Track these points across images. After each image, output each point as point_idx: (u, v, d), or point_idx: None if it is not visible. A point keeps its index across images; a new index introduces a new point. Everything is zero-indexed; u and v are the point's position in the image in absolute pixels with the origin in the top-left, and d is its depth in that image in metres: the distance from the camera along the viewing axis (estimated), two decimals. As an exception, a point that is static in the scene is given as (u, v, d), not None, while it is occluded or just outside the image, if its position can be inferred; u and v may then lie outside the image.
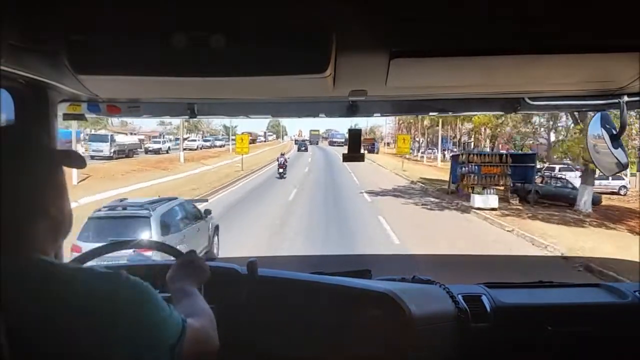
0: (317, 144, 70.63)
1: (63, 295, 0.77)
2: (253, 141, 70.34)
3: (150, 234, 7.24)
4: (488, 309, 1.72)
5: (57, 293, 0.77)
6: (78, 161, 0.90)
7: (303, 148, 53.84)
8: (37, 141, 0.88)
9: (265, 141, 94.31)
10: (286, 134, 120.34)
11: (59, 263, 0.83)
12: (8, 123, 1.34)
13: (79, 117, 1.70)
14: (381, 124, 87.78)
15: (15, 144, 0.81)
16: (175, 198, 8.92)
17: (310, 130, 69.80)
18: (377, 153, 51.30)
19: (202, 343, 0.92)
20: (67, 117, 1.67)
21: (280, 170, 23.09)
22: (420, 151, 53.78)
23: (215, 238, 9.28)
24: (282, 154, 24.14)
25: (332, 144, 72.76)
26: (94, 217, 7.37)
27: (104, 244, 1.44)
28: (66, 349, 0.75)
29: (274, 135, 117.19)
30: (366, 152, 43.33)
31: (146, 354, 0.81)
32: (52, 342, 0.75)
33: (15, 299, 0.74)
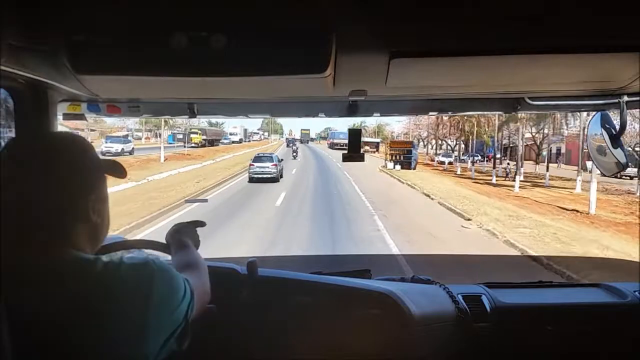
0: (307, 142, 66.79)
1: (99, 288, 0.80)
2: (212, 142, 52.96)
3: (274, 160, 22.27)
4: (488, 309, 1.72)
5: (94, 286, 0.81)
6: (120, 171, 0.97)
7: (291, 144, 55.93)
8: (89, 150, 0.92)
9: (244, 141, 72.37)
10: (275, 133, 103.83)
11: (96, 259, 0.85)
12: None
13: (79, 117, 1.70)
14: (389, 122, 75.36)
15: (70, 153, 0.88)
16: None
17: (301, 130, 68.45)
18: (414, 168, 30.73)
19: (202, 296, 0.99)
20: (66, 117, 1.67)
21: (294, 154, 38.67)
22: (449, 158, 38.06)
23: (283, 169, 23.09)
24: (294, 144, 41.53)
25: (333, 146, 55.36)
26: (256, 156, 22.85)
27: (117, 241, 1.45)
28: (100, 337, 0.79)
29: (265, 134, 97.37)
30: (398, 166, 29.67)
31: (168, 331, 0.85)
32: (87, 331, 0.78)
33: (51, 293, 0.78)
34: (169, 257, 1.46)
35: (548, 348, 1.71)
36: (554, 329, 1.70)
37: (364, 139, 60.59)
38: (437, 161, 39.94)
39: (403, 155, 31.61)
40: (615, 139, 1.49)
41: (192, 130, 47.99)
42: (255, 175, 21.02)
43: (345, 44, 1.07)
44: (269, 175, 21.13)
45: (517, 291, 1.90)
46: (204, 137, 51.65)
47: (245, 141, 78.01)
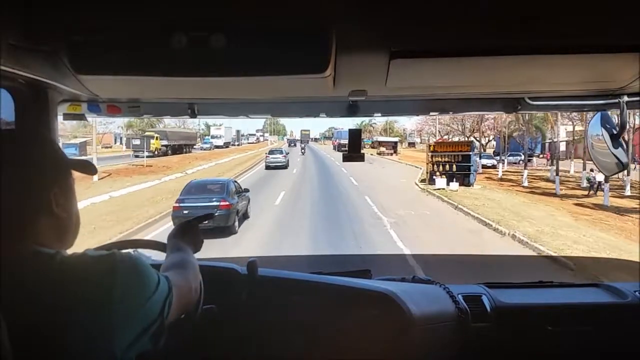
0: (307, 142, 63.25)
1: (58, 283, 0.79)
2: (177, 149, 41.05)
3: (283, 152, 31.77)
4: (488, 309, 1.72)
5: (53, 280, 0.79)
6: (89, 169, 0.98)
7: (293, 144, 60.71)
8: (48, 145, 0.91)
9: (233, 145, 59.81)
10: (278, 134, 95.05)
11: (56, 253, 0.84)
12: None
13: (79, 117, 1.70)
14: (397, 118, 68.56)
15: (28, 145, 0.87)
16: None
17: (301, 130, 67.56)
18: (472, 184, 20.35)
19: (186, 294, 0.99)
20: (67, 117, 1.67)
21: (303, 150, 45.83)
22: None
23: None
24: (298, 144, 50.37)
25: (340, 147, 48.20)
26: (270, 150, 32.90)
27: (113, 241, 1.46)
28: (63, 334, 0.77)
29: (266, 134, 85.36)
30: (455, 184, 18.90)
31: (139, 327, 0.83)
32: (49, 328, 0.77)
33: (12, 288, 0.76)
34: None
35: (548, 348, 1.71)
36: (554, 329, 1.70)
37: (378, 138, 54.78)
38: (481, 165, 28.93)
39: (456, 163, 20.41)
40: (616, 139, 1.49)
41: (147, 133, 35.95)
42: (271, 164, 28.95)
43: (345, 44, 1.07)
44: (280, 164, 29.03)
45: (518, 291, 1.90)
46: (164, 142, 38.57)
47: (234, 145, 64.22)
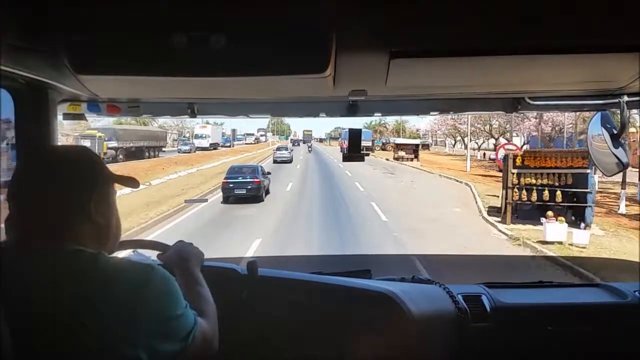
0: (310, 142, 61.76)
1: (95, 282, 0.85)
2: (137, 152, 31.44)
3: (288, 149, 38.81)
4: (488, 309, 1.72)
5: (89, 275, 0.86)
6: (133, 183, 1.07)
7: (296, 144, 63.72)
8: (88, 158, 0.99)
9: (222, 147, 50.89)
10: (282, 134, 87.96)
11: (97, 253, 0.90)
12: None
13: (79, 117, 1.70)
14: (409, 118, 67.07)
15: (74, 161, 0.97)
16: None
17: (304, 131, 68.08)
18: (590, 225, 10.33)
19: (207, 343, 1.00)
20: (67, 117, 1.67)
21: (309, 149, 50.08)
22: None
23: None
24: (306, 142, 54.11)
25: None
26: (277, 147, 40.65)
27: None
28: (90, 330, 0.82)
29: (269, 134, 77.95)
30: (576, 223, 10.00)
31: (157, 344, 0.87)
32: (79, 319, 0.82)
33: (50, 280, 0.84)
34: None
35: (548, 348, 1.71)
36: (554, 329, 1.70)
37: (395, 139, 47.95)
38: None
39: (562, 189, 11.60)
40: (616, 139, 1.49)
41: (88, 132, 24.19)
42: (278, 158, 33.70)
43: (345, 44, 1.07)
44: (286, 158, 33.99)
45: (517, 291, 1.90)
46: (113, 143, 29.35)
47: (225, 146, 54.11)
